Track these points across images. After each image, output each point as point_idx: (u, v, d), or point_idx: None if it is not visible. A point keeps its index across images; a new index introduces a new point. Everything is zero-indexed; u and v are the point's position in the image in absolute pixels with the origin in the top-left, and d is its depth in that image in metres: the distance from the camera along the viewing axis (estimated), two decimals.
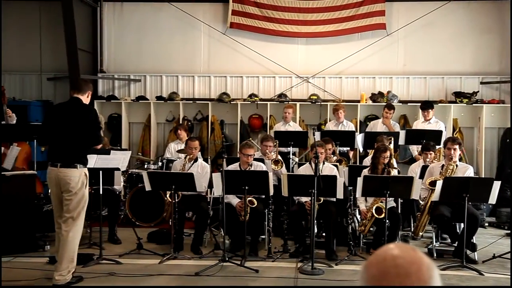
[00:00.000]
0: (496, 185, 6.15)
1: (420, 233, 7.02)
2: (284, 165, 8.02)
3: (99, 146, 5.80)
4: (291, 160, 8.61)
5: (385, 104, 9.79)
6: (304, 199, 6.74)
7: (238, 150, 7.27)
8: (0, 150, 7.45)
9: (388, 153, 6.80)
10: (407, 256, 1.32)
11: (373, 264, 1.33)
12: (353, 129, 9.52)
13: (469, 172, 6.81)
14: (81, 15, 10.74)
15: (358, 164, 9.18)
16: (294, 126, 9.64)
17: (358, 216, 7.07)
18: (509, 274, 5.86)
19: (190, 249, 6.82)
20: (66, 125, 5.48)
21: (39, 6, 11.01)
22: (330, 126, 9.58)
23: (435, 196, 6.30)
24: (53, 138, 5.54)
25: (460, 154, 7.31)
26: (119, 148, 9.86)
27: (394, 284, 1.27)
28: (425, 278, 1.29)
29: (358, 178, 6.36)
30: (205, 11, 11.10)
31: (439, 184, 6.25)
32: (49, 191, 5.89)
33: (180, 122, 10.52)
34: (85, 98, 5.60)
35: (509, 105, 10.32)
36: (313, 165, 6.44)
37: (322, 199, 6.49)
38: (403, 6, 10.86)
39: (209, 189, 7.39)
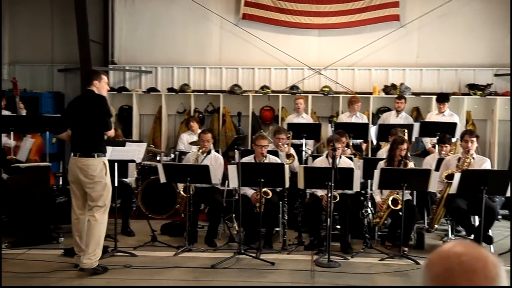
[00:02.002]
0: None
1: (436, 226, 6.95)
2: (296, 158, 7.97)
3: (110, 132, 5.80)
4: (304, 152, 8.55)
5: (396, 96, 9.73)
6: (320, 192, 6.68)
7: (252, 142, 7.21)
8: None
9: (405, 145, 6.73)
10: (472, 253, 1.27)
11: (437, 262, 1.29)
12: (367, 121, 9.45)
13: (486, 164, 6.74)
14: (92, 5, 10.68)
15: (370, 156, 9.12)
16: (307, 118, 9.57)
17: (370, 210, 6.99)
18: None
19: (204, 242, 6.79)
20: (80, 116, 5.65)
21: None
22: (343, 118, 9.49)
23: (453, 189, 6.23)
24: (72, 130, 5.73)
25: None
26: (131, 139, 9.84)
27: (460, 282, 1.22)
28: (492, 276, 1.24)
29: (375, 170, 6.29)
30: (217, 2, 11.02)
31: (457, 177, 6.18)
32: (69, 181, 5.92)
33: (191, 114, 10.48)
34: (98, 85, 5.67)
35: None
36: (330, 158, 6.38)
37: (338, 196, 6.43)
38: None
39: (221, 181, 7.35)
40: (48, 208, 6.85)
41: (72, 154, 5.66)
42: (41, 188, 6.77)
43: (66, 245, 6.42)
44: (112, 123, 5.85)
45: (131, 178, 7.52)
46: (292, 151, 8.05)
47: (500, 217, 8.55)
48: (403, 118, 9.36)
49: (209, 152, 7.30)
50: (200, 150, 7.24)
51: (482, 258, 1.26)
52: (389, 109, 10.20)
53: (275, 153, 7.36)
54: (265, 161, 6.78)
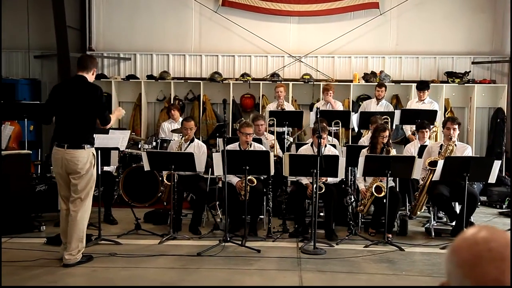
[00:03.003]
0: (496, 164, 6.19)
1: (418, 212, 7.04)
2: (276, 150, 7.92)
3: (108, 126, 5.67)
4: (285, 140, 8.55)
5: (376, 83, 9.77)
6: (304, 180, 6.70)
7: (237, 130, 7.17)
8: None
9: (387, 133, 6.78)
10: (500, 239, 1.25)
11: (464, 248, 1.26)
12: (341, 108, 9.43)
13: (468, 151, 6.84)
14: None
15: (351, 144, 9.14)
16: (287, 106, 9.54)
17: (354, 197, 7.05)
18: None
19: (188, 230, 6.77)
20: (72, 104, 5.34)
21: None
22: (319, 106, 9.41)
23: (436, 176, 6.32)
24: (58, 118, 5.41)
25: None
26: (111, 127, 9.68)
27: (489, 269, 1.21)
28: None
29: (359, 158, 6.33)
30: None
31: (440, 163, 6.26)
32: (52, 172, 5.74)
33: (171, 101, 10.37)
34: (90, 76, 5.46)
35: (500, 85, 10.41)
36: (315, 147, 6.40)
37: (324, 187, 6.45)
38: None
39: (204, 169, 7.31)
40: (29, 197, 6.74)
41: (56, 145, 5.33)
42: (22, 176, 6.65)
43: (48, 234, 6.35)
44: (109, 116, 5.61)
45: (113, 166, 7.44)
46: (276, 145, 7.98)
47: (478, 203, 8.74)
48: (384, 106, 9.41)
49: (192, 140, 7.25)
50: (183, 138, 7.19)
51: (510, 244, 1.25)
52: (369, 97, 10.26)
53: (258, 140, 7.35)
54: (250, 149, 6.77)
